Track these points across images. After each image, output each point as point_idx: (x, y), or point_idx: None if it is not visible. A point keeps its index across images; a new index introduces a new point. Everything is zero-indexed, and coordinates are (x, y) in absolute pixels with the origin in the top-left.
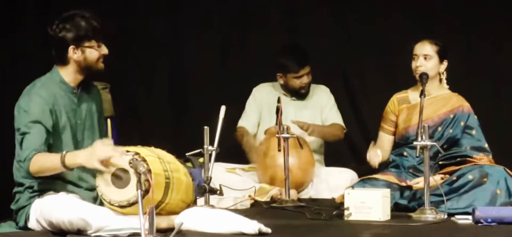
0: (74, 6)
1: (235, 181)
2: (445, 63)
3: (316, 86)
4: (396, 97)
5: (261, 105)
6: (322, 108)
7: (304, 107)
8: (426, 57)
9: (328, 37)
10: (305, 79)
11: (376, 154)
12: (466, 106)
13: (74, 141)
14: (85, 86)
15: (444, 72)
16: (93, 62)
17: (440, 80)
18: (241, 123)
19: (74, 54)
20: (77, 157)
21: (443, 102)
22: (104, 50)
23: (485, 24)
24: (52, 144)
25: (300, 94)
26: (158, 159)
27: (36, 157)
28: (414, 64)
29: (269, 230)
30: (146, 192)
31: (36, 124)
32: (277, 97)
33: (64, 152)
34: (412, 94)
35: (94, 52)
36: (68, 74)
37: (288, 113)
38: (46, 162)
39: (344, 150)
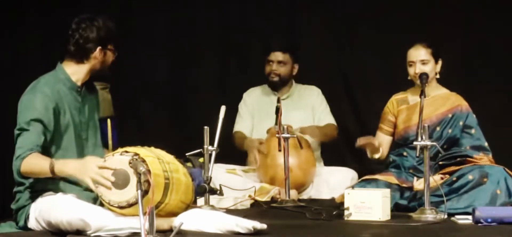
0: (74, 7)
1: (235, 182)
2: (440, 62)
3: (306, 86)
4: (395, 98)
5: (252, 109)
6: (313, 109)
7: (295, 108)
8: (423, 62)
9: (328, 37)
10: (275, 67)
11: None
12: (464, 105)
13: (78, 139)
14: (88, 85)
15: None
16: (108, 65)
17: (437, 79)
18: (237, 127)
19: (99, 54)
20: (66, 167)
21: (442, 102)
22: (115, 55)
23: (484, 23)
24: (53, 142)
25: (271, 83)
26: (157, 160)
27: (28, 158)
28: (412, 71)
29: (264, 226)
30: (146, 192)
31: (37, 122)
32: (266, 99)
33: (53, 160)
34: (411, 95)
35: (111, 56)
36: (77, 73)
37: None
38: (36, 165)
39: (344, 150)
